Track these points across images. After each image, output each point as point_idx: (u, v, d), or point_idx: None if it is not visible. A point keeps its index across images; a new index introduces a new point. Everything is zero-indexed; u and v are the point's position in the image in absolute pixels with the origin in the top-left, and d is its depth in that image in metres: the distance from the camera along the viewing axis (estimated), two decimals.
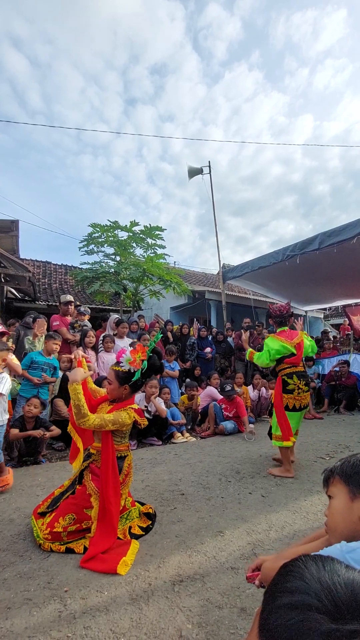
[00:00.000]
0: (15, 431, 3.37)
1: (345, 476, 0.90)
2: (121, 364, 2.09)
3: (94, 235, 8.05)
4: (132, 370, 2.08)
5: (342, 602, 0.42)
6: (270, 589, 0.51)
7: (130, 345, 2.28)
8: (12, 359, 3.81)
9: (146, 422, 2.30)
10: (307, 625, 0.41)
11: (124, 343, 5.25)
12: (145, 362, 2.14)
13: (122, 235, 8.25)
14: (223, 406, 4.94)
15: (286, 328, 3.41)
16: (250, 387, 5.79)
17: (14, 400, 3.87)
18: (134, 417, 2.10)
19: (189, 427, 5.06)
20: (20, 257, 10.24)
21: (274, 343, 3.28)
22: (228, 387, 4.92)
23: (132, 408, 2.10)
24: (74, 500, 2.05)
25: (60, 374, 4.55)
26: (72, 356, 2.27)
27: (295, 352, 3.27)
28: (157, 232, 8.03)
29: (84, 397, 1.96)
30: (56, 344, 4.12)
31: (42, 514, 2.09)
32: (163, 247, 8.22)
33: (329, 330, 11.21)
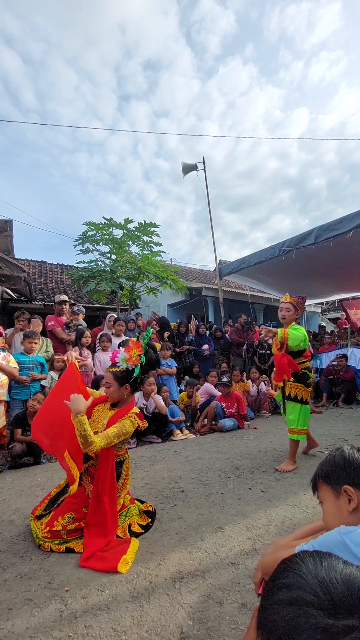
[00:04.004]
0: (18, 432, 3.37)
1: (326, 477, 0.93)
2: (118, 364, 2.06)
3: (88, 233, 8.01)
4: (131, 368, 2.05)
5: (338, 598, 0.43)
6: (268, 585, 0.51)
7: (122, 344, 2.26)
8: (10, 361, 3.79)
9: (146, 424, 2.23)
10: (303, 620, 0.41)
11: (120, 341, 5.24)
12: (143, 357, 2.09)
13: (117, 233, 8.22)
14: (224, 404, 4.94)
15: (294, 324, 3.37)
16: (249, 382, 5.81)
17: (8, 403, 3.87)
18: (137, 423, 2.05)
19: (188, 424, 5.07)
20: (15, 257, 10.17)
21: (300, 331, 3.18)
22: (225, 379, 4.98)
23: (134, 413, 2.07)
24: (73, 499, 2.04)
25: (55, 374, 4.54)
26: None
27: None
28: (151, 229, 7.99)
29: (89, 426, 1.85)
30: (31, 342, 4.07)
31: (40, 517, 2.08)
32: (159, 244, 8.20)
33: (324, 325, 11.27)
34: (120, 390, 2.07)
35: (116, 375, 2.05)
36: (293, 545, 0.93)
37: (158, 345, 5.77)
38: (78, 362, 2.27)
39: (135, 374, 2.06)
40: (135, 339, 2.22)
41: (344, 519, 0.86)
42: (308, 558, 0.51)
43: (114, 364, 2.09)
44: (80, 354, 4.63)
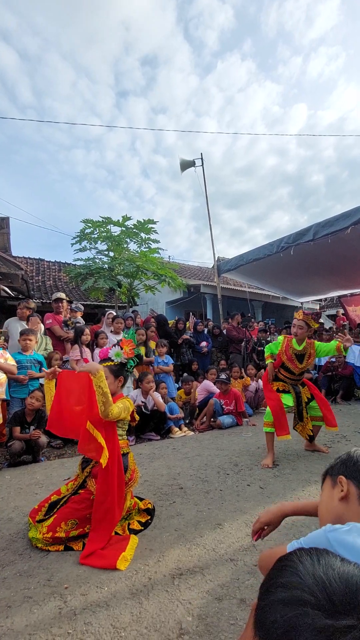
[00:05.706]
0: (17, 430, 3.37)
1: (330, 469, 0.98)
2: (113, 359, 2.19)
3: (86, 231, 7.98)
4: (125, 361, 2.21)
5: (337, 597, 0.42)
6: (265, 584, 0.50)
7: (116, 345, 2.34)
8: (8, 358, 3.78)
9: (137, 417, 2.39)
10: (301, 621, 0.40)
11: (118, 338, 5.24)
12: (138, 350, 2.31)
13: (115, 230, 8.18)
14: (223, 401, 4.95)
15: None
16: (248, 377, 5.82)
17: (8, 402, 3.86)
18: (132, 405, 2.22)
19: (187, 421, 5.07)
20: (13, 254, 10.13)
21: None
22: (223, 376, 4.98)
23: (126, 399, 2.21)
24: (77, 505, 2.01)
25: None
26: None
27: None
28: (150, 226, 7.96)
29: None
30: (26, 339, 4.05)
31: (41, 521, 2.04)
32: (157, 241, 8.17)
33: (322, 321, 11.29)
34: (115, 382, 2.19)
35: (112, 369, 2.17)
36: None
37: (153, 344, 5.76)
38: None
39: (129, 366, 2.24)
40: (124, 337, 2.38)
41: (333, 507, 0.90)
42: (305, 556, 0.50)
43: (107, 359, 2.22)
44: (80, 352, 4.62)
